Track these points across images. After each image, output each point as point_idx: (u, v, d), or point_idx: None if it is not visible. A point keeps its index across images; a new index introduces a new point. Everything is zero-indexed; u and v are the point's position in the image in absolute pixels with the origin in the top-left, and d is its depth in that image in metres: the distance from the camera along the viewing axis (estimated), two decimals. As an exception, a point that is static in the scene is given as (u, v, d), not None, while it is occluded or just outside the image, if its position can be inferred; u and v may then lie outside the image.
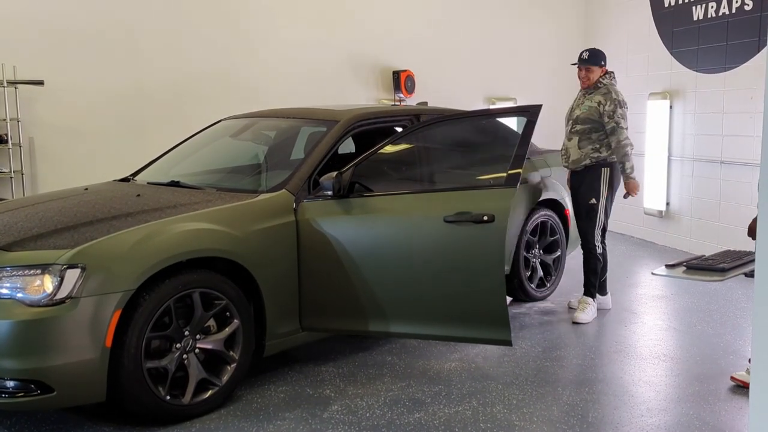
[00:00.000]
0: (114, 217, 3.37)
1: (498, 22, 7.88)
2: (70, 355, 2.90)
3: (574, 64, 4.82)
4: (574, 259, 6.08)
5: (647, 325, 4.66)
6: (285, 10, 6.69)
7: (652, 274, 3.29)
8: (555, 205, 5.20)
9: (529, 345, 4.25)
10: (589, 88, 4.73)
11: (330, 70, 6.94)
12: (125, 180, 4.48)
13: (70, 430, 3.20)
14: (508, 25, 7.94)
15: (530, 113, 3.70)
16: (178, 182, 4.10)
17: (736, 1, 6.11)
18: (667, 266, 3.16)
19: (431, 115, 4.55)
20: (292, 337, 3.71)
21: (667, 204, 7.02)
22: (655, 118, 7.02)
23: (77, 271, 2.93)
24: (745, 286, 5.28)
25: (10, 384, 2.91)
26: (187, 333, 3.25)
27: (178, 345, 3.22)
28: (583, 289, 4.79)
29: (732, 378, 3.63)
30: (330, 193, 3.64)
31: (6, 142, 5.49)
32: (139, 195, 3.82)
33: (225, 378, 3.37)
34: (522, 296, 5.04)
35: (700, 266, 2.95)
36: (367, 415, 3.32)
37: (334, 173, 3.64)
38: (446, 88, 7.49)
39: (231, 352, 3.39)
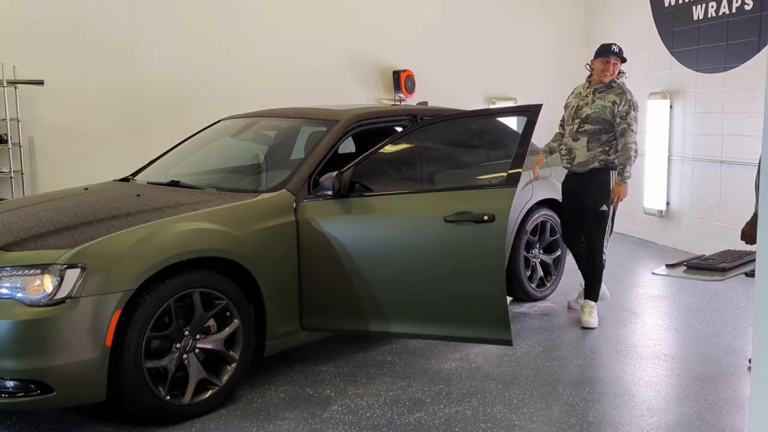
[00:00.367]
0: (114, 217, 3.37)
1: (498, 22, 7.88)
2: (70, 355, 2.90)
3: (602, 55, 4.48)
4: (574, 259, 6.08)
5: (647, 324, 4.66)
6: (285, 11, 6.68)
7: (653, 273, 3.29)
8: (555, 205, 5.20)
9: (529, 345, 4.25)
10: (600, 86, 4.51)
11: (330, 70, 6.94)
12: (125, 180, 4.48)
13: (70, 430, 3.19)
14: (508, 25, 7.94)
15: (530, 113, 3.69)
16: (178, 182, 4.10)
17: (737, 1, 6.10)
18: (668, 266, 3.17)
19: (431, 115, 4.55)
20: (293, 337, 3.71)
21: (668, 204, 7.02)
22: (656, 117, 7.02)
23: (77, 270, 2.93)
24: (745, 285, 5.28)
25: (10, 384, 2.91)
26: (187, 333, 3.24)
27: (178, 345, 3.22)
28: (584, 292, 4.71)
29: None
30: (330, 192, 3.64)
31: (6, 142, 5.48)
32: (139, 195, 3.82)
33: (225, 378, 3.36)
34: (522, 296, 5.04)
35: (700, 266, 2.95)
36: (368, 414, 3.32)
37: (335, 173, 3.63)
38: (446, 88, 7.49)
39: (231, 352, 3.39)
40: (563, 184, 4.77)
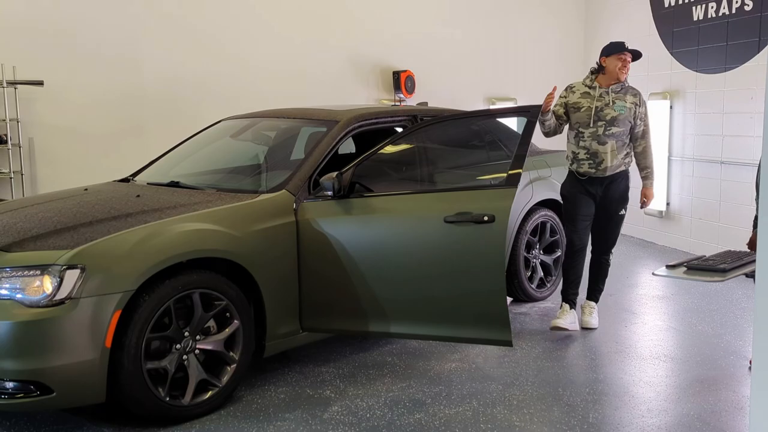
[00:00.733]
0: (114, 218, 3.37)
1: (498, 22, 7.88)
2: (70, 355, 2.89)
3: (618, 52, 4.29)
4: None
5: (648, 325, 4.65)
6: (285, 11, 6.68)
7: (653, 274, 3.29)
8: (555, 205, 5.20)
9: (529, 345, 4.24)
10: (616, 86, 4.33)
11: (330, 70, 6.94)
12: (125, 180, 4.47)
13: (69, 431, 3.19)
14: (508, 25, 7.94)
15: (530, 113, 3.69)
16: (177, 183, 4.09)
17: (736, 2, 6.10)
18: (668, 267, 3.16)
19: (431, 115, 4.54)
20: (293, 337, 3.71)
21: (668, 204, 7.02)
22: (656, 118, 7.02)
23: (77, 271, 2.93)
24: (745, 286, 5.28)
25: (10, 385, 2.91)
26: (187, 334, 3.24)
27: (178, 346, 3.22)
28: (587, 293, 4.63)
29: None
30: (330, 193, 3.64)
31: (6, 142, 5.48)
32: (138, 195, 3.81)
33: (225, 379, 3.36)
34: (522, 296, 5.04)
35: (700, 267, 2.95)
36: (368, 415, 3.31)
37: (335, 173, 3.63)
38: (446, 89, 7.49)
39: (231, 353, 3.39)
40: (572, 187, 4.44)
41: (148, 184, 4.23)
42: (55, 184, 5.44)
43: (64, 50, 5.70)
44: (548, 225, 5.14)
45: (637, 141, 4.40)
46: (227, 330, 3.37)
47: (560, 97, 4.44)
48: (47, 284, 2.91)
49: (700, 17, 6.54)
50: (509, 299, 4.98)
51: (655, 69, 7.11)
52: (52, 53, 5.66)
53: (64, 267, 2.92)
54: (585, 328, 4.49)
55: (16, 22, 5.51)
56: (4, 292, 2.93)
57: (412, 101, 7.15)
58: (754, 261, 2.76)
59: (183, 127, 5.42)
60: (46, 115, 5.70)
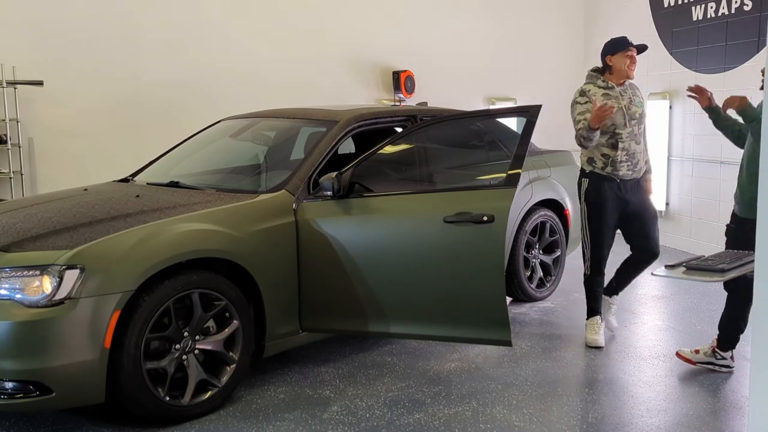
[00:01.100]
0: (113, 218, 3.37)
1: (498, 22, 7.87)
2: (69, 356, 2.89)
3: (624, 48, 4.14)
4: (574, 260, 6.08)
5: (647, 325, 4.65)
6: (285, 12, 6.68)
7: (652, 274, 3.28)
8: (555, 206, 5.20)
9: (528, 345, 4.24)
10: (628, 83, 4.24)
11: (330, 70, 6.94)
12: (124, 180, 4.47)
13: (69, 431, 3.19)
14: (507, 25, 7.94)
15: (530, 113, 3.69)
16: (177, 183, 4.09)
17: (736, 2, 6.10)
18: (667, 267, 3.15)
19: (431, 115, 4.54)
20: (292, 337, 3.71)
21: (667, 204, 7.02)
22: (655, 118, 7.02)
23: (76, 271, 2.92)
24: (744, 286, 5.27)
25: (9, 385, 2.91)
26: (186, 334, 3.24)
27: (178, 346, 3.22)
28: (613, 288, 4.46)
29: (677, 354, 3.88)
30: (330, 193, 3.64)
31: (5, 142, 5.48)
32: (138, 196, 3.81)
33: (224, 379, 3.36)
34: (522, 296, 5.04)
35: (699, 267, 2.94)
36: (367, 415, 3.31)
37: (334, 173, 3.63)
38: (446, 89, 7.48)
39: (230, 353, 3.39)
40: (601, 194, 4.14)
41: (147, 184, 4.23)
42: (54, 184, 5.44)
43: (64, 50, 5.70)
44: (548, 225, 5.14)
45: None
46: (227, 330, 3.37)
47: (582, 103, 4.15)
48: (47, 284, 2.91)
49: (700, 17, 6.54)
50: (509, 299, 4.98)
51: (654, 69, 7.11)
52: (51, 54, 5.65)
53: (64, 267, 2.92)
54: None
55: (16, 23, 5.51)
56: (3, 292, 2.93)
57: (411, 101, 7.15)
58: (753, 261, 2.75)
59: (182, 127, 5.42)
60: (45, 115, 5.70)
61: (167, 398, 3.16)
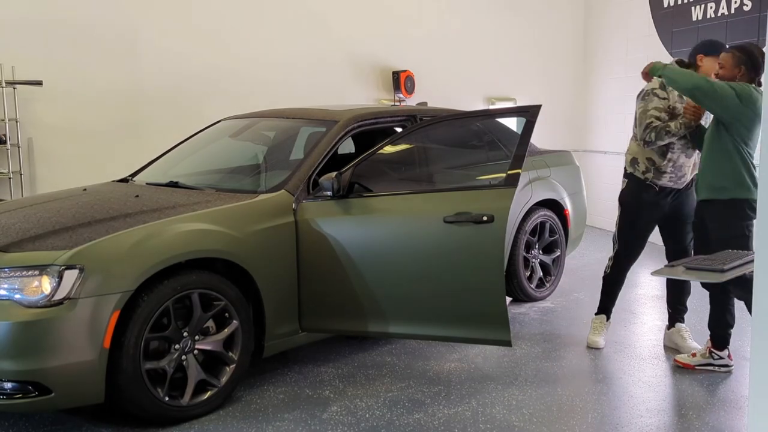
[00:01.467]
0: (112, 218, 3.37)
1: (497, 22, 7.88)
2: (69, 356, 2.89)
3: (720, 53, 3.82)
4: (573, 259, 6.08)
5: (647, 325, 4.65)
6: (285, 11, 6.68)
7: (652, 274, 3.29)
8: (554, 206, 5.20)
9: (528, 345, 4.25)
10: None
11: (330, 70, 6.94)
12: (124, 180, 4.47)
13: (68, 431, 3.19)
14: (507, 25, 7.95)
15: (530, 113, 3.69)
16: (176, 183, 4.09)
17: (735, 2, 6.10)
18: (667, 266, 3.16)
19: (431, 115, 4.54)
20: (292, 337, 3.71)
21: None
22: (655, 118, 7.02)
23: (75, 272, 2.92)
24: (744, 286, 5.27)
25: (8, 385, 2.90)
26: (185, 334, 3.24)
27: (177, 346, 3.21)
28: (669, 319, 4.29)
29: (675, 361, 3.89)
30: (329, 193, 3.64)
31: (5, 142, 5.48)
32: (137, 196, 3.81)
33: (224, 379, 3.36)
34: (521, 296, 5.04)
35: (699, 266, 2.94)
36: (367, 415, 3.31)
37: (334, 173, 3.63)
38: (446, 89, 7.49)
39: (230, 353, 3.39)
40: (642, 200, 4.06)
41: (147, 184, 4.23)
42: (53, 184, 5.43)
43: (63, 51, 5.70)
44: (547, 225, 5.14)
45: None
46: (226, 330, 3.37)
47: (660, 98, 3.94)
48: (46, 284, 2.91)
49: (699, 17, 6.54)
50: (508, 299, 4.98)
51: (654, 69, 7.11)
52: (50, 54, 5.65)
53: (63, 267, 2.92)
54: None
55: (15, 23, 5.51)
56: (2, 292, 2.93)
57: (411, 101, 7.15)
58: (752, 261, 2.76)
59: (182, 127, 5.42)
60: (45, 115, 5.70)
61: (166, 398, 3.16)
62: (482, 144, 4.95)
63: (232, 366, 3.39)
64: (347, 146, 5.09)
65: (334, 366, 3.93)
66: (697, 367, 3.84)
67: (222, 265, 3.40)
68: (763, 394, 1.52)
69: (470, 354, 4.08)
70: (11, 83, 5.44)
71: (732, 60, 3.65)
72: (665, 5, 7.00)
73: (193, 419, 3.26)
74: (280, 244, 3.59)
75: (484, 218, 3.38)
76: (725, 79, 3.65)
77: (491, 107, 7.70)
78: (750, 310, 3.29)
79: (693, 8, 6.60)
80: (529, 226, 4.98)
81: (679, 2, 6.80)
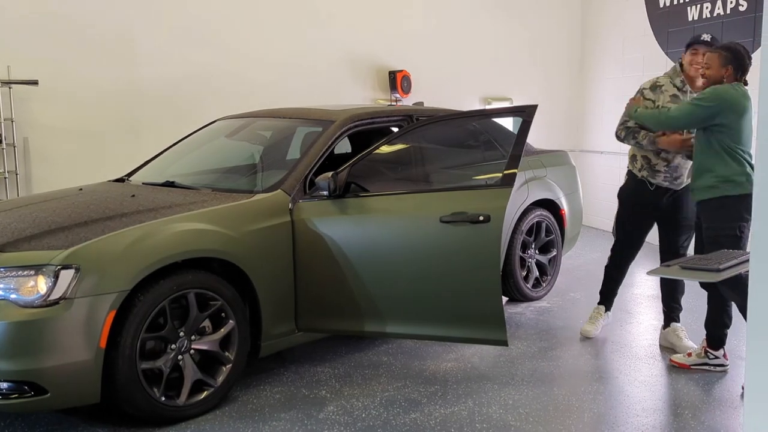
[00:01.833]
0: (109, 218, 3.36)
1: (494, 22, 7.88)
2: (64, 356, 2.89)
3: (691, 46, 3.92)
4: (570, 259, 6.09)
5: (643, 325, 4.66)
6: (281, 11, 6.67)
7: (648, 274, 3.30)
8: (550, 205, 5.20)
9: (525, 345, 4.25)
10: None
11: (326, 70, 6.94)
12: (120, 180, 4.47)
13: (64, 431, 3.18)
14: (504, 25, 7.95)
15: (526, 113, 3.70)
16: (173, 182, 4.09)
17: (731, 2, 6.12)
18: (663, 266, 3.17)
19: (427, 115, 4.55)
20: (288, 337, 3.71)
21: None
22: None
23: (71, 271, 2.92)
24: (740, 285, 5.28)
25: (4, 385, 2.90)
26: (182, 334, 3.24)
27: (173, 346, 3.21)
28: (665, 318, 4.25)
29: (671, 361, 3.89)
30: (326, 193, 3.64)
31: (0, 142, 5.46)
32: (134, 195, 3.81)
33: (220, 379, 3.36)
34: (518, 296, 5.04)
35: (695, 266, 2.95)
36: (363, 415, 3.31)
37: (330, 173, 3.63)
38: (442, 89, 7.49)
39: (226, 353, 3.38)
40: (636, 196, 4.13)
41: (143, 184, 4.23)
42: (49, 183, 5.42)
43: (59, 50, 5.68)
44: (544, 225, 5.15)
45: None
46: (222, 330, 3.36)
47: (646, 98, 4.00)
48: (41, 284, 2.90)
49: (695, 17, 6.56)
50: (505, 299, 4.99)
51: (650, 69, 7.11)
52: (46, 53, 5.64)
53: (59, 267, 2.92)
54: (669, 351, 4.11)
55: (10, 22, 5.50)
56: (-2, 292, 2.92)
57: (408, 101, 7.15)
58: (747, 261, 2.76)
59: (178, 127, 5.41)
60: (40, 114, 5.68)
61: (163, 398, 3.16)
62: (478, 144, 4.95)
63: (229, 366, 3.38)
64: (344, 146, 5.09)
65: (330, 366, 3.93)
66: (692, 367, 3.85)
67: (218, 264, 3.39)
68: (758, 394, 1.52)
69: (467, 354, 4.08)
70: (7, 83, 5.42)
71: (719, 60, 3.63)
72: (661, 5, 7.01)
73: (190, 419, 3.25)
74: (276, 244, 3.59)
75: (481, 218, 3.38)
76: (712, 79, 3.65)
77: (488, 107, 7.70)
78: (744, 315, 3.30)
79: (689, 8, 6.62)
80: (526, 225, 4.98)
81: (675, 2, 6.81)
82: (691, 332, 4.28)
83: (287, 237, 3.63)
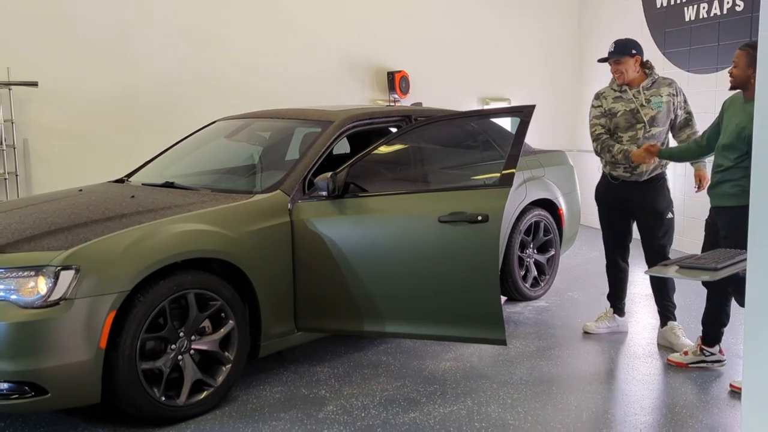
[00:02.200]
0: (108, 219, 3.36)
1: (492, 22, 7.88)
2: (65, 356, 2.88)
3: (603, 59, 4.18)
4: (568, 259, 6.09)
5: (641, 324, 4.66)
6: (280, 12, 6.67)
7: (645, 273, 3.30)
8: (549, 205, 5.20)
9: (523, 344, 4.25)
10: (646, 82, 4.07)
11: (325, 71, 6.94)
12: (120, 181, 4.46)
13: (64, 431, 3.18)
14: (501, 25, 7.95)
15: (524, 114, 3.69)
16: (172, 183, 4.08)
17: (728, 2, 6.12)
18: (661, 265, 3.17)
19: (425, 115, 4.54)
20: (288, 337, 3.70)
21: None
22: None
23: (71, 272, 2.91)
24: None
25: (4, 386, 2.89)
26: (182, 334, 3.23)
27: (173, 346, 3.21)
28: (664, 317, 4.23)
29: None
30: (325, 193, 3.64)
31: (0, 143, 5.46)
32: (133, 196, 3.80)
33: (220, 379, 3.35)
34: (516, 295, 5.04)
35: (692, 265, 2.95)
36: (363, 415, 3.31)
37: (329, 174, 3.63)
38: (441, 89, 7.49)
39: (226, 353, 3.38)
40: (604, 193, 4.29)
41: (142, 184, 4.22)
42: (49, 185, 5.42)
43: (58, 52, 5.68)
44: (542, 224, 5.15)
45: (682, 130, 4.15)
46: (222, 330, 3.36)
47: (594, 107, 4.23)
48: (42, 285, 2.90)
49: (692, 18, 6.56)
50: (503, 298, 4.98)
51: (647, 69, 7.13)
52: (46, 55, 5.64)
53: (59, 268, 2.91)
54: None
55: (10, 24, 5.49)
56: (-2, 293, 2.92)
57: (406, 101, 7.15)
58: (745, 260, 2.76)
59: (177, 127, 5.41)
60: (40, 116, 5.68)
61: (163, 398, 3.15)
62: (477, 144, 4.95)
63: (228, 366, 3.38)
64: (342, 146, 5.09)
65: (329, 365, 3.93)
66: (690, 366, 3.85)
67: (218, 265, 3.39)
68: (756, 393, 1.52)
69: (465, 353, 4.08)
70: (7, 84, 5.42)
71: (746, 59, 3.48)
72: (658, 5, 7.02)
73: (190, 419, 3.25)
74: (275, 245, 3.58)
75: (479, 218, 3.38)
76: (738, 79, 3.53)
77: (486, 107, 7.71)
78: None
79: (686, 8, 6.62)
80: (524, 225, 4.98)
81: (672, 2, 6.82)
82: (688, 330, 4.28)
83: (286, 237, 3.63)
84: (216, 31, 6.37)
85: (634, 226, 4.33)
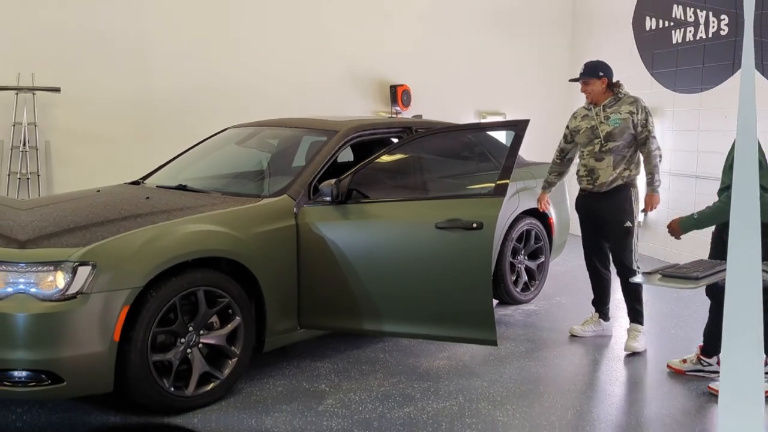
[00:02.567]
0: (124, 218, 3.36)
1: (489, 41, 7.90)
2: (80, 347, 2.89)
3: (574, 79, 4.32)
4: (557, 265, 6.09)
5: (624, 327, 4.65)
6: (291, 27, 6.69)
7: (629, 281, 3.31)
8: (540, 214, 5.21)
9: (513, 345, 4.25)
10: (609, 101, 4.18)
11: (331, 83, 6.95)
12: (135, 183, 4.47)
13: (78, 418, 3.18)
14: (498, 44, 7.97)
15: (518, 127, 3.71)
16: (185, 186, 4.09)
17: (713, 27, 6.14)
18: (644, 274, 3.17)
19: (425, 127, 4.56)
20: (291, 334, 3.71)
21: (645, 215, 7.03)
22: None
23: (88, 268, 2.92)
24: (716, 293, 5.28)
25: (23, 374, 2.89)
26: (191, 328, 3.24)
27: (183, 340, 3.21)
28: (630, 317, 4.30)
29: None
30: (329, 198, 3.65)
31: (24, 145, 5.47)
32: (148, 197, 3.81)
33: (226, 372, 3.36)
34: (507, 299, 5.04)
35: (675, 274, 2.96)
36: (360, 408, 3.31)
37: (333, 180, 3.64)
38: (440, 103, 7.50)
39: (232, 347, 3.38)
40: (577, 204, 4.43)
41: (157, 186, 4.23)
42: (69, 185, 5.42)
43: (80, 59, 5.70)
44: (533, 232, 5.15)
45: (642, 147, 4.15)
46: (229, 326, 3.36)
47: (566, 128, 4.47)
48: (60, 279, 2.90)
49: (679, 40, 6.58)
50: (495, 301, 4.99)
51: (635, 88, 7.07)
52: (68, 62, 5.66)
53: (77, 263, 2.92)
54: (631, 354, 4.11)
55: (35, 32, 5.51)
56: (19, 286, 2.92)
57: (407, 114, 7.16)
58: (724, 270, 2.77)
59: (191, 133, 5.42)
60: (62, 120, 5.70)
61: (172, 389, 3.16)
62: (473, 155, 4.96)
63: (234, 359, 3.38)
64: (346, 155, 5.10)
65: (330, 361, 3.93)
66: (687, 373, 3.77)
67: (226, 264, 3.40)
68: (732, 395, 1.52)
69: (458, 352, 4.08)
70: (31, 89, 5.44)
71: None
72: (647, 28, 7.04)
73: (197, 409, 3.25)
74: (281, 246, 3.59)
75: (474, 225, 3.39)
76: None
77: (482, 121, 7.72)
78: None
79: (674, 32, 6.64)
80: (516, 233, 4.99)
81: (661, 26, 6.84)
82: (670, 337, 4.28)
83: (292, 239, 3.63)
84: (230, 45, 6.40)
85: None
